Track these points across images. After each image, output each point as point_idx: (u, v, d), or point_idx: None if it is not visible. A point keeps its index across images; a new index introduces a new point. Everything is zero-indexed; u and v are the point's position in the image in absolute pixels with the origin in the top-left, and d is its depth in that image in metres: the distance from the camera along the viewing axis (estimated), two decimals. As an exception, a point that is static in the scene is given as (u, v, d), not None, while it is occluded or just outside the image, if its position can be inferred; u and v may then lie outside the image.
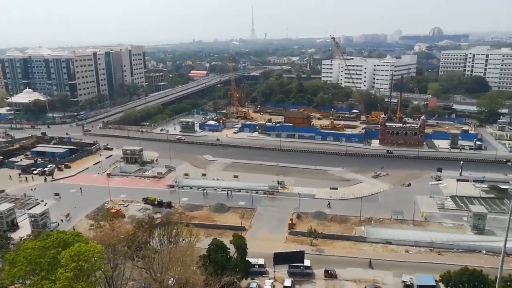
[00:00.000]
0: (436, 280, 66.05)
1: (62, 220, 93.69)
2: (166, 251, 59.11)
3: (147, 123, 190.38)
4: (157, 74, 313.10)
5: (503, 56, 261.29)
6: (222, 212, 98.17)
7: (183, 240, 66.32)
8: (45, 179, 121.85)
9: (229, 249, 68.70)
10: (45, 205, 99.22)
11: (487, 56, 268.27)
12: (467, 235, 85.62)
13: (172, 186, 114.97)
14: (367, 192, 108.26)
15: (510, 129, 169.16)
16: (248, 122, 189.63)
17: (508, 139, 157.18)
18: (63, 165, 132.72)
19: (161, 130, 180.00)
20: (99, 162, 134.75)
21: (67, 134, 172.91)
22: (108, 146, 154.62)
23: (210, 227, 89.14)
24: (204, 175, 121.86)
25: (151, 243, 67.54)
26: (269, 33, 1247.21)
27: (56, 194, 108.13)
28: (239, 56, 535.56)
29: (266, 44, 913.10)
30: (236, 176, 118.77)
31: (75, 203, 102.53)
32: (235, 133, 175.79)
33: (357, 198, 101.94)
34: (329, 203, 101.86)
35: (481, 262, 73.86)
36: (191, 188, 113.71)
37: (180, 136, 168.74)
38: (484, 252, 78.85)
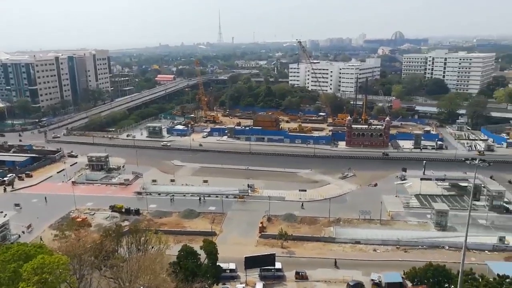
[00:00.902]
0: (402, 277, 67.85)
1: (23, 232, 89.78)
2: (134, 259, 57.85)
3: (113, 129, 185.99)
4: (122, 78, 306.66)
5: (460, 59, 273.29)
6: (192, 218, 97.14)
7: (152, 247, 65.18)
8: (5, 190, 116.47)
9: (200, 255, 68.06)
10: (4, 216, 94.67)
11: (445, 59, 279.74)
12: (431, 232, 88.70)
13: (139, 193, 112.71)
14: (335, 193, 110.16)
15: (468, 129, 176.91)
16: (217, 126, 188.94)
17: (467, 138, 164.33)
18: (24, 174, 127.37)
19: (128, 135, 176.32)
20: (63, 170, 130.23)
21: (20, 141, 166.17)
22: (73, 153, 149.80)
23: (180, 234, 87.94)
24: (172, 180, 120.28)
25: (119, 251, 65.89)
26: (236, 37, 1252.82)
27: (17, 205, 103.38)
28: (206, 60, 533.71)
29: (234, 48, 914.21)
30: (205, 181, 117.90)
31: (37, 213, 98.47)
32: (204, 137, 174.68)
33: (326, 199, 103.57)
34: (302, 204, 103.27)
35: (444, 257, 76.66)
36: (159, 194, 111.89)
37: (166, 142, 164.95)
38: (447, 247, 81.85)
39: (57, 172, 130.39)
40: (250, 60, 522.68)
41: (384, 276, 69.53)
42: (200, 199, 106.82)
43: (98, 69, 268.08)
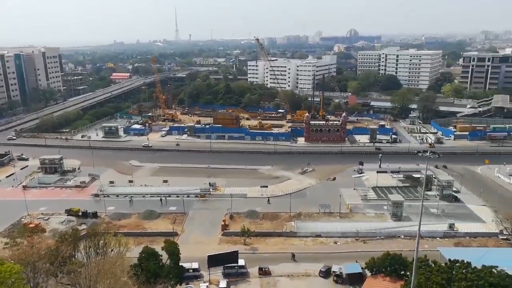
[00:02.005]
0: (362, 267, 70.22)
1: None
2: (93, 264, 56.00)
3: (67, 130, 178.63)
4: (75, 77, 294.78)
5: (411, 56, 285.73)
6: (152, 218, 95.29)
7: (112, 250, 63.49)
8: None
9: (161, 256, 67.00)
10: None
11: (397, 56, 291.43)
12: (388, 222, 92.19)
13: (97, 195, 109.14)
14: (295, 188, 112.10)
15: (420, 122, 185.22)
16: (176, 125, 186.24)
17: (418, 132, 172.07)
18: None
19: (82, 136, 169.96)
20: (12, 174, 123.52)
21: None
22: (23, 156, 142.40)
23: (140, 235, 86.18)
24: (131, 181, 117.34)
25: (76, 256, 63.67)
26: (193, 34, 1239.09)
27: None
28: (163, 57, 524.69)
29: (191, 45, 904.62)
30: (165, 181, 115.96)
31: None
32: (162, 136, 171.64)
33: (287, 195, 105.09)
34: (268, 199, 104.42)
35: (400, 246, 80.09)
36: (117, 196, 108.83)
37: (147, 143, 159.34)
38: (403, 237, 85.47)
39: (6, 177, 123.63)
40: (208, 58, 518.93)
41: (344, 268, 71.57)
42: (161, 199, 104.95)
43: (49, 68, 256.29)
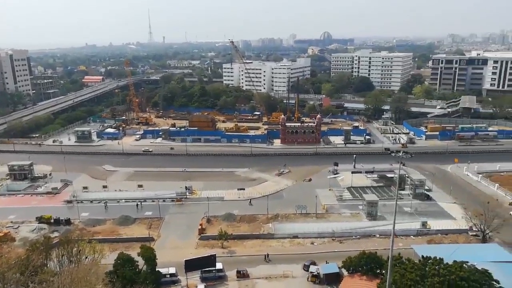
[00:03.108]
0: (339, 267, 71.03)
1: None
2: (67, 272, 54.47)
3: (37, 135, 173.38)
4: (45, 81, 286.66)
5: (383, 58, 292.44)
6: (128, 224, 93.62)
7: (86, 258, 61.90)
8: None
9: (138, 261, 66.00)
10: None
11: (370, 58, 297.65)
12: (363, 222, 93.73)
13: (70, 202, 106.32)
14: (272, 190, 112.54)
15: (392, 123, 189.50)
16: (150, 128, 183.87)
17: (391, 132, 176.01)
18: None
19: (54, 141, 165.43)
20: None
21: None
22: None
23: (116, 241, 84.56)
24: (105, 187, 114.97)
25: (48, 265, 61.67)
26: (167, 36, 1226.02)
27: None
28: (137, 60, 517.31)
29: (165, 47, 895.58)
30: (140, 186, 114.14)
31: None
32: (137, 140, 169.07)
33: (264, 197, 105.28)
34: (250, 200, 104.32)
35: (376, 245, 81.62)
36: (91, 202, 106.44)
37: (147, 148, 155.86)
38: (378, 236, 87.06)
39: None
40: (182, 60, 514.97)
41: (322, 268, 72.29)
42: (136, 204, 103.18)
43: (17, 71, 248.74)
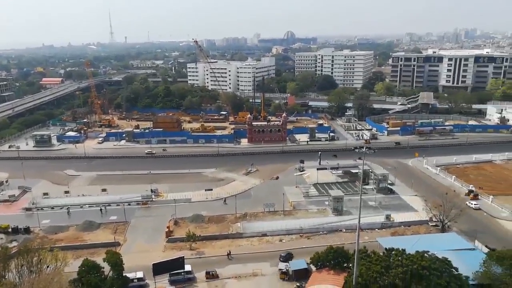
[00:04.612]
0: (307, 263, 72.07)
1: None
2: (27, 283, 52.40)
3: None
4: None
5: (345, 57, 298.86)
6: (92, 230, 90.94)
7: (48, 267, 59.71)
8: None
9: (103, 267, 64.37)
10: None
11: (332, 57, 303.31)
12: (329, 217, 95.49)
13: (29, 209, 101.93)
14: (240, 189, 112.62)
15: (355, 120, 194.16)
16: (113, 130, 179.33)
17: (354, 129, 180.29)
18: None
19: (10, 146, 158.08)
20: None
21: None
22: None
23: (80, 248, 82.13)
24: (67, 192, 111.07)
25: (7, 277, 58.98)
26: (129, 36, 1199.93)
27: None
28: (98, 60, 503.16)
29: (127, 48, 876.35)
30: (104, 190, 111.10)
31: None
32: (99, 143, 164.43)
33: (232, 196, 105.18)
34: (224, 199, 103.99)
35: (342, 239, 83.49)
36: (52, 208, 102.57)
37: (150, 150, 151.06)
38: (344, 230, 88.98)
39: None
40: (145, 60, 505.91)
41: (291, 264, 73.09)
42: (100, 209, 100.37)
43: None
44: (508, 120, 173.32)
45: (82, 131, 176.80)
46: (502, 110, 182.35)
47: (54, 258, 60.72)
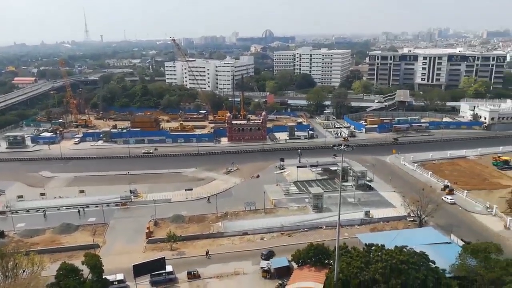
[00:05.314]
0: (289, 260, 72.54)
1: None
2: (2, 289, 50.91)
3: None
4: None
5: (323, 55, 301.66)
6: (70, 232, 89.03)
7: (24, 271, 58.23)
8: None
9: (82, 270, 63.08)
10: None
11: (310, 56, 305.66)
12: (310, 214, 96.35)
13: (3, 212, 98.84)
14: (221, 188, 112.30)
15: (334, 118, 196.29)
16: (90, 131, 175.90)
17: (333, 127, 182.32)
18: None
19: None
20: None
21: None
22: None
23: (57, 251, 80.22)
24: (42, 194, 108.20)
25: (-19, 283, 57.16)
26: (105, 35, 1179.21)
27: None
28: (73, 59, 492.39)
29: (103, 46, 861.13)
30: (82, 191, 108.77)
31: None
32: (76, 143, 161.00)
33: (213, 196, 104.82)
34: (208, 198, 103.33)
35: (323, 236, 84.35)
36: (28, 211, 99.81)
37: (148, 149, 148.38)
38: (324, 227, 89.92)
39: None
40: (122, 59, 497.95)
41: (272, 262, 73.39)
42: (78, 211, 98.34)
43: None
44: (480, 117, 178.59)
45: (58, 132, 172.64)
46: (474, 107, 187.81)
47: (30, 262, 59.31)
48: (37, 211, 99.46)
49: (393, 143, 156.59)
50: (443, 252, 64.97)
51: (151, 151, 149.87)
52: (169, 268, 72.16)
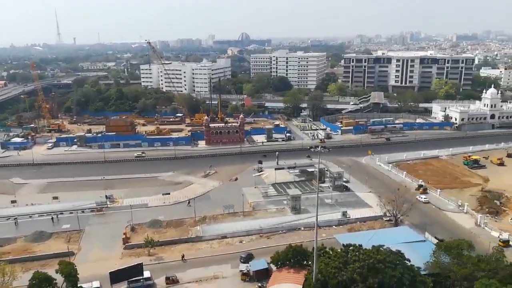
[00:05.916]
0: (268, 263, 72.60)
1: None
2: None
3: None
4: None
5: (299, 58, 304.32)
6: (43, 240, 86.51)
7: (-6, 282, 56.17)
8: None
9: (56, 279, 61.38)
10: None
11: (287, 59, 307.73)
12: (288, 216, 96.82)
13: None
14: (199, 192, 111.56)
15: (310, 120, 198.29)
16: (64, 135, 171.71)
17: (310, 129, 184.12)
18: None
19: None
20: None
21: None
22: None
23: (29, 260, 77.94)
24: (13, 201, 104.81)
25: None
26: (78, 37, 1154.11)
27: None
28: (45, 63, 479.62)
29: (76, 49, 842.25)
30: (55, 197, 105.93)
31: None
32: (49, 148, 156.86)
33: (191, 199, 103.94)
34: (188, 201, 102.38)
35: (301, 237, 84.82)
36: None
37: (140, 153, 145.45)
38: (303, 228, 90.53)
39: None
40: (96, 62, 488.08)
41: (251, 265, 73.34)
42: (52, 218, 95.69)
43: None
44: (451, 118, 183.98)
45: (30, 137, 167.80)
46: (445, 108, 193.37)
47: (1, 273, 57.30)
48: (8, 219, 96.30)
49: (384, 143, 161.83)
50: (418, 250, 66.45)
51: (144, 155, 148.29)
52: (147, 274, 71.13)
